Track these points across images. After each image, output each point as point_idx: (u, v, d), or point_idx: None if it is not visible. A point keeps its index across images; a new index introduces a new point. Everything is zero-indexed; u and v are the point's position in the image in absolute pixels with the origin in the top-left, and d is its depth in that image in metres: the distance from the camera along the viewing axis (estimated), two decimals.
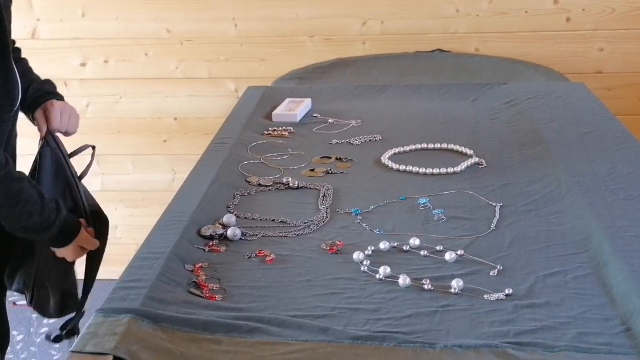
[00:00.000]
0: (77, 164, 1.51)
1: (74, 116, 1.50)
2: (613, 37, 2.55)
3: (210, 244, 1.34)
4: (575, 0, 2.51)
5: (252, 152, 1.79)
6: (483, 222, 1.40)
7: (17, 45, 1.51)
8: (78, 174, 1.49)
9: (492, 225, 1.39)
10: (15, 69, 1.33)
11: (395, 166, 1.67)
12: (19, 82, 1.34)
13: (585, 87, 2.18)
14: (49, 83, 1.54)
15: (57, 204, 1.34)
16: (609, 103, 2.09)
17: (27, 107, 1.48)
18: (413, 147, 1.79)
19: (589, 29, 2.55)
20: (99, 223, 1.46)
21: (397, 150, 1.77)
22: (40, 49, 2.73)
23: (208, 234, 1.36)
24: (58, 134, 1.48)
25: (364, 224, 1.41)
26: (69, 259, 1.41)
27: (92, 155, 1.54)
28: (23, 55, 1.52)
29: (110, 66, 2.76)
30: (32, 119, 1.49)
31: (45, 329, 2.10)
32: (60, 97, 1.51)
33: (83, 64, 2.77)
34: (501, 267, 1.24)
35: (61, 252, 1.40)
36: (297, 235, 1.38)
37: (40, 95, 1.49)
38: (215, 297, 1.17)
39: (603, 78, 2.57)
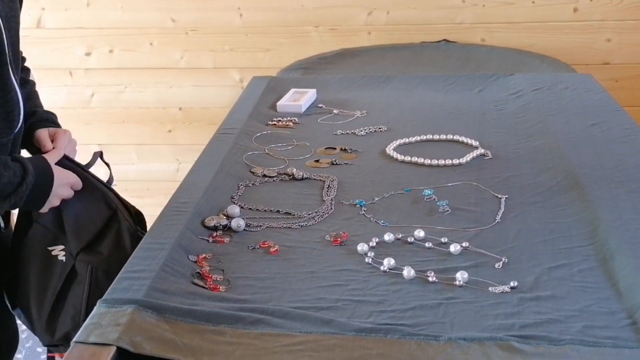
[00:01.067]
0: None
1: (74, 145, 1.47)
2: (621, 28, 2.53)
3: (214, 234, 1.34)
4: None
5: (256, 142, 1.78)
6: (488, 214, 1.40)
7: (26, 64, 1.48)
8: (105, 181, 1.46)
9: (498, 218, 1.38)
10: (17, 88, 1.28)
11: (400, 157, 1.66)
12: (21, 102, 1.28)
13: (593, 78, 2.17)
14: (54, 115, 1.51)
15: (22, 163, 1.27)
16: (617, 94, 2.08)
17: (26, 129, 1.42)
18: (418, 138, 1.78)
19: (597, 20, 2.54)
20: (142, 223, 1.45)
21: (402, 141, 1.76)
22: (45, 39, 2.73)
23: (212, 224, 1.36)
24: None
25: (368, 216, 1.41)
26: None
27: (103, 159, 1.53)
28: (32, 47, 1.49)
29: (115, 56, 2.75)
30: (28, 140, 1.43)
31: None
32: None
33: (88, 54, 2.76)
34: (506, 260, 1.23)
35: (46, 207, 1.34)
36: (301, 226, 1.38)
37: (43, 120, 1.47)
38: (219, 288, 1.16)
39: (610, 69, 2.56)
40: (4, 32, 1.27)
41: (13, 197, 1.26)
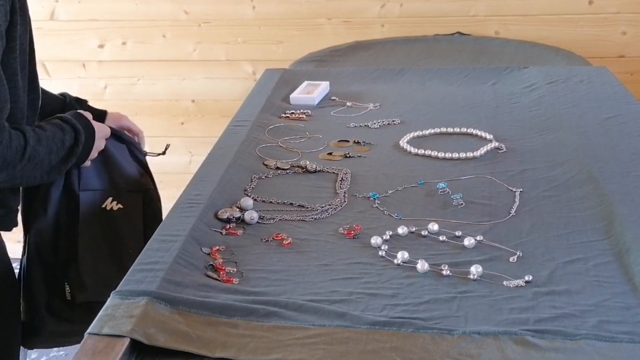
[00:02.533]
0: None
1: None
2: (636, 20, 2.51)
3: (228, 227, 1.34)
4: None
5: (269, 135, 1.78)
6: (502, 207, 1.39)
7: (39, 56, 1.46)
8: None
9: (512, 211, 1.37)
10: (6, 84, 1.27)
11: (414, 150, 1.66)
12: (8, 96, 1.28)
13: (608, 71, 2.15)
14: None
15: (72, 124, 1.38)
16: (632, 88, 2.06)
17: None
18: (432, 131, 1.77)
19: (612, 12, 2.52)
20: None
21: (415, 134, 1.75)
22: (59, 31, 2.74)
23: (225, 217, 1.36)
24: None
25: (382, 209, 1.40)
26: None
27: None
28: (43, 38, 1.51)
29: (128, 48, 2.76)
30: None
31: None
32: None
33: (101, 46, 2.77)
34: (521, 254, 1.22)
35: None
36: (315, 219, 1.37)
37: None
38: (232, 280, 1.16)
39: (626, 62, 2.54)
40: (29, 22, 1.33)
41: (72, 158, 1.38)
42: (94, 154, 1.46)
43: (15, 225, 1.45)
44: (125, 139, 1.59)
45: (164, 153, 1.68)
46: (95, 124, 1.46)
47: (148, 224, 1.54)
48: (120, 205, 1.52)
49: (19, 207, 1.45)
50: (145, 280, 1.12)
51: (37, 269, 1.48)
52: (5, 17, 1.24)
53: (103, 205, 1.51)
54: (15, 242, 1.52)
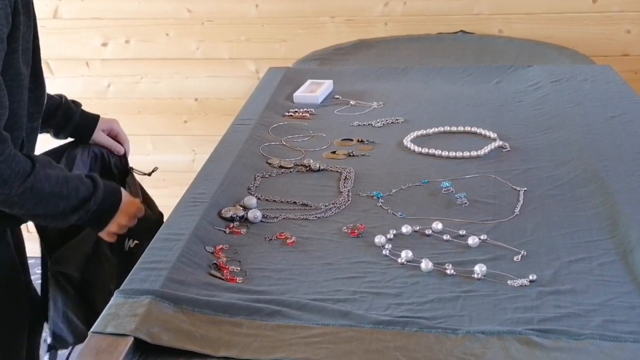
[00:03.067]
0: None
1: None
2: None
3: (231, 225, 1.33)
4: None
5: (273, 133, 1.78)
6: (507, 206, 1.38)
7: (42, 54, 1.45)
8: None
9: (516, 210, 1.37)
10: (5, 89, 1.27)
11: (417, 149, 1.65)
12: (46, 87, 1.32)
13: (612, 69, 2.14)
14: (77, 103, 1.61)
15: (93, 179, 1.35)
16: (636, 86, 2.06)
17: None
18: (436, 129, 1.76)
19: (616, 11, 2.51)
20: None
21: (419, 133, 1.75)
22: (62, 29, 2.73)
23: (229, 215, 1.35)
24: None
25: (385, 208, 1.40)
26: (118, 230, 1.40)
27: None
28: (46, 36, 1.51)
29: (131, 46, 2.76)
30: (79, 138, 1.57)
31: None
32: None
33: (104, 44, 2.77)
34: (525, 253, 1.22)
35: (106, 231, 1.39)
36: (318, 218, 1.37)
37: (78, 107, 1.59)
38: (236, 279, 1.16)
39: (630, 61, 2.53)
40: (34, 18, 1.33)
41: (82, 212, 1.32)
42: (113, 226, 1.38)
43: (25, 220, 1.43)
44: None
45: (149, 174, 1.64)
46: (127, 196, 1.41)
47: None
48: (135, 242, 1.48)
49: None
50: (149, 279, 1.12)
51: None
52: (6, 20, 1.23)
53: (125, 249, 1.48)
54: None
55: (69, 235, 1.50)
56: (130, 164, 1.66)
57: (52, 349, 1.52)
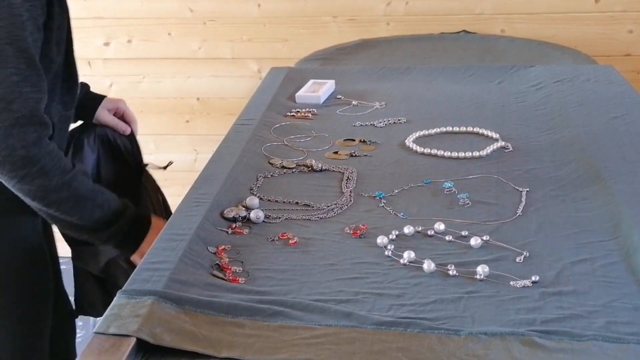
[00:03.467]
0: None
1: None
2: None
3: (233, 226, 1.33)
4: None
5: (275, 133, 1.78)
6: (509, 207, 1.38)
7: None
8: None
9: (519, 211, 1.36)
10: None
11: (419, 149, 1.65)
12: (46, 87, 1.32)
13: (615, 70, 2.14)
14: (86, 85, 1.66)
15: (123, 200, 1.38)
16: (639, 86, 2.05)
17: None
18: (438, 130, 1.76)
19: (619, 11, 2.50)
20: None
21: (421, 133, 1.75)
22: None
23: (231, 216, 1.35)
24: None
25: (388, 208, 1.40)
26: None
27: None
28: None
29: (134, 46, 2.76)
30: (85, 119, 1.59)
31: None
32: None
33: (106, 44, 2.77)
34: (527, 254, 1.22)
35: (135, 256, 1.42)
36: (321, 218, 1.37)
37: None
38: (238, 280, 1.16)
39: (633, 61, 2.53)
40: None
41: (113, 227, 1.36)
42: (145, 246, 1.40)
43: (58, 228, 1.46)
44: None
45: (165, 168, 1.67)
46: (155, 218, 1.46)
47: None
48: None
49: None
50: (152, 280, 1.12)
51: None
52: (42, 10, 1.27)
53: None
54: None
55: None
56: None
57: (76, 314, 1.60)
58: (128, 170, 1.66)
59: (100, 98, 1.63)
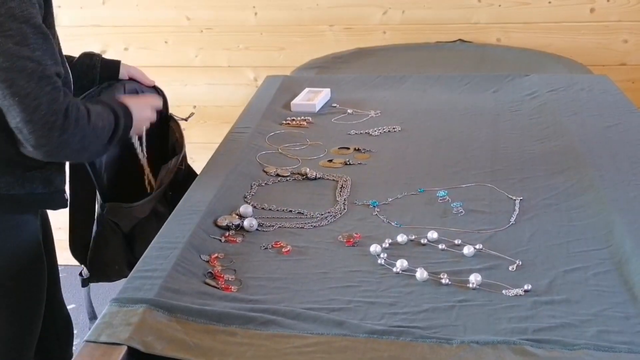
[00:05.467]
0: None
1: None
2: (638, 28, 2.51)
3: (227, 234, 1.33)
4: None
5: (270, 142, 1.78)
6: (502, 216, 1.39)
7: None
8: None
9: (512, 220, 1.37)
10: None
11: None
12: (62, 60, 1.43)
13: (609, 79, 2.15)
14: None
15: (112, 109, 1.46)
16: (633, 96, 2.06)
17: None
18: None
19: (614, 21, 2.51)
20: None
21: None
22: (61, 36, 2.72)
23: (224, 224, 1.35)
24: None
25: (381, 217, 1.40)
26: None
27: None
28: None
29: (130, 54, 2.76)
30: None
31: None
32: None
33: (103, 52, 2.77)
34: (520, 262, 1.22)
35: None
36: (314, 226, 1.37)
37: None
38: (231, 288, 1.16)
39: (627, 70, 2.54)
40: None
41: (114, 140, 1.46)
42: (138, 126, 1.54)
43: (64, 206, 1.52)
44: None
45: (186, 119, 1.75)
46: (132, 101, 1.55)
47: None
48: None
49: (66, 189, 1.52)
50: (144, 288, 1.12)
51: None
52: (39, 6, 1.34)
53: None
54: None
55: (122, 192, 1.62)
56: None
57: (88, 281, 1.64)
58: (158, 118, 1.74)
59: (117, 60, 1.73)
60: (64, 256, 1.69)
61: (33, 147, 1.32)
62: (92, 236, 1.62)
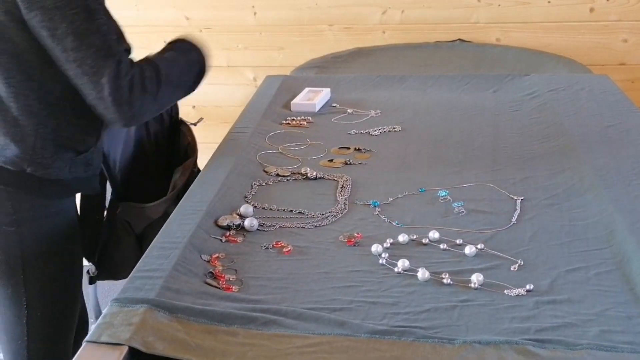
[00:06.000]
0: None
1: None
2: (637, 28, 2.51)
3: (227, 234, 1.33)
4: None
5: (270, 141, 1.77)
6: (504, 215, 1.38)
7: None
8: None
9: (513, 219, 1.36)
10: None
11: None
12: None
13: (609, 79, 2.15)
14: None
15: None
16: (633, 95, 2.06)
17: None
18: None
19: (613, 20, 2.51)
20: None
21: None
22: None
23: (225, 224, 1.35)
24: None
25: (382, 216, 1.40)
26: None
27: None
28: None
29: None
30: None
31: None
32: None
33: None
34: (522, 262, 1.22)
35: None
36: (315, 226, 1.37)
37: None
38: (232, 288, 1.16)
39: (627, 70, 2.54)
40: None
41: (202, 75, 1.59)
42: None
43: (98, 190, 1.57)
44: None
45: (195, 124, 1.78)
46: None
47: None
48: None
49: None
50: (144, 288, 1.11)
51: None
52: None
53: None
54: None
55: (135, 192, 1.66)
56: None
57: (95, 280, 1.69)
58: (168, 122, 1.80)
59: None
60: None
61: (110, 122, 1.40)
62: (103, 235, 1.63)
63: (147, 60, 1.49)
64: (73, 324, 1.59)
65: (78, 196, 1.61)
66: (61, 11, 1.30)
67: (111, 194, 1.67)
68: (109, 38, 1.37)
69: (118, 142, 1.64)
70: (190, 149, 1.74)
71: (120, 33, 1.43)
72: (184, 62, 1.54)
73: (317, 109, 1.98)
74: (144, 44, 2.71)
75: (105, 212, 1.67)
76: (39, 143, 1.41)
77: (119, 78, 1.35)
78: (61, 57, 1.34)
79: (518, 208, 1.40)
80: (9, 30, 1.34)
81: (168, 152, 1.74)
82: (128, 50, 1.45)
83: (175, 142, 1.76)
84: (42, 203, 1.46)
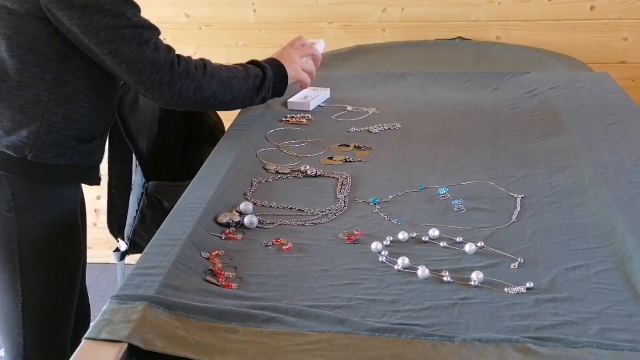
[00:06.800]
0: None
1: None
2: (638, 26, 2.51)
3: (227, 231, 1.33)
4: None
5: (269, 139, 1.77)
6: (504, 213, 1.38)
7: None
8: None
9: (513, 217, 1.36)
10: None
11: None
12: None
13: (609, 77, 2.14)
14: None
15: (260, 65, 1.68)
16: (634, 93, 2.06)
17: None
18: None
19: (614, 18, 2.51)
20: None
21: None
22: None
23: (225, 221, 1.35)
24: None
25: (382, 214, 1.39)
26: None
27: None
28: None
29: None
30: None
31: None
32: None
33: None
34: (522, 260, 1.21)
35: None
36: (315, 224, 1.36)
37: None
38: (231, 285, 1.15)
39: (627, 68, 2.54)
40: None
41: (263, 91, 1.68)
42: (300, 77, 1.79)
43: (98, 183, 1.62)
44: None
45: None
46: (287, 58, 1.75)
47: None
48: None
49: (100, 167, 1.63)
50: (144, 285, 1.11)
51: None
52: None
53: None
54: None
55: (165, 171, 1.75)
56: None
57: (125, 255, 1.78)
58: None
59: None
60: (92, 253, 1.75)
61: (155, 102, 1.51)
62: (136, 211, 1.70)
63: (200, 58, 1.58)
64: (71, 313, 1.60)
65: (86, 190, 1.64)
66: (91, 8, 1.37)
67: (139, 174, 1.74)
68: (141, 27, 1.45)
69: (144, 127, 1.70)
70: (217, 129, 1.81)
71: (149, 21, 1.50)
72: (242, 71, 1.62)
73: (311, 108, 1.97)
74: None
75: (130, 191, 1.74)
76: (43, 129, 1.44)
77: (158, 61, 1.45)
78: (96, 50, 1.41)
79: (518, 206, 1.40)
80: (28, 24, 1.38)
81: (186, 130, 1.81)
82: (159, 34, 1.52)
83: (195, 121, 1.83)
84: (42, 190, 1.48)
